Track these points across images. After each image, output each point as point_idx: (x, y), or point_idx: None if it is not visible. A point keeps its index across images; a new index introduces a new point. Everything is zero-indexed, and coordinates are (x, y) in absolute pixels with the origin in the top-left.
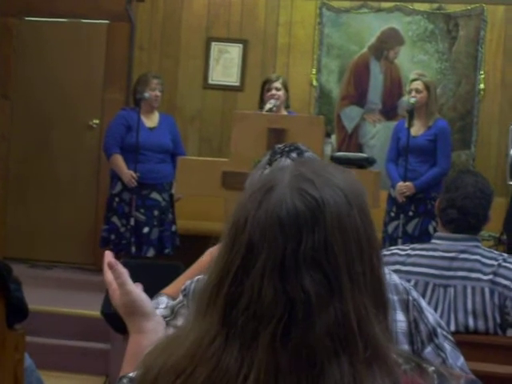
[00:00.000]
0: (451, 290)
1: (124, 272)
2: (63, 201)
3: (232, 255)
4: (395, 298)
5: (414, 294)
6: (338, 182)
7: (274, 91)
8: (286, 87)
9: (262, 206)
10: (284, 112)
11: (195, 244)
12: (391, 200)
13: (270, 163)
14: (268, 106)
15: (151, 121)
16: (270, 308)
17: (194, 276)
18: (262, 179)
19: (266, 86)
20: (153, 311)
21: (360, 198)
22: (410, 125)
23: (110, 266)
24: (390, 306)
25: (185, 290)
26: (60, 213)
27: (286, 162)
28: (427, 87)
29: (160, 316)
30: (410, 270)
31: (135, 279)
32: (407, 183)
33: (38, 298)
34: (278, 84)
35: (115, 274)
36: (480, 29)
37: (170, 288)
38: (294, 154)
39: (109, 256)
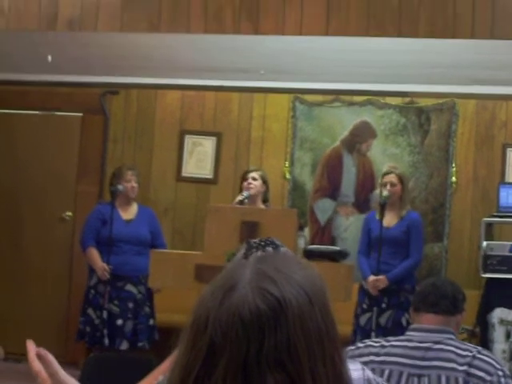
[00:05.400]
0: (425, 380)
1: (54, 361)
2: (35, 293)
3: (193, 355)
4: None
5: None
6: (299, 279)
7: (250, 180)
8: (264, 180)
9: (223, 306)
10: (261, 205)
11: (175, 337)
12: (363, 292)
13: (245, 257)
14: (239, 198)
15: (128, 213)
16: None
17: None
18: (222, 276)
19: (244, 176)
20: None
21: (321, 294)
22: (382, 217)
23: (39, 356)
24: None
25: None
26: (32, 305)
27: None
28: (401, 180)
29: None
30: (384, 359)
31: (107, 373)
32: (380, 276)
33: None
34: (254, 174)
35: (45, 363)
36: (452, 122)
37: (143, 383)
38: (269, 249)
39: (32, 346)
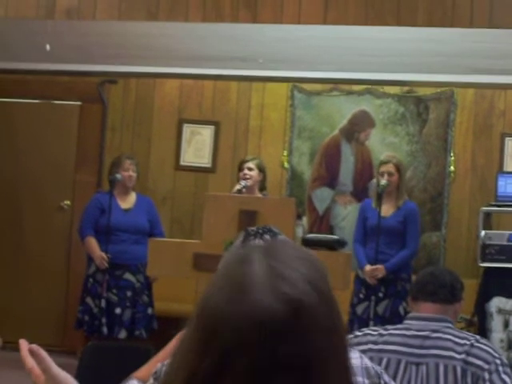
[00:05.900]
0: (423, 368)
1: (47, 356)
2: (33, 282)
3: (202, 357)
4: (366, 381)
5: (386, 377)
6: (308, 273)
7: (246, 171)
8: (260, 169)
9: (235, 307)
10: (258, 194)
11: (173, 326)
12: (359, 281)
13: (243, 245)
14: (237, 187)
15: (126, 202)
16: None
17: (166, 359)
18: (229, 270)
19: (240, 166)
20: None
21: (327, 287)
22: (380, 206)
23: (32, 352)
24: None
25: (156, 373)
26: (30, 294)
27: (258, 243)
28: (398, 169)
29: None
30: (382, 348)
31: (105, 361)
32: (378, 266)
33: (7, 381)
34: (250, 164)
35: (38, 359)
36: (450, 111)
37: (141, 371)
38: (267, 236)
39: (24, 344)
